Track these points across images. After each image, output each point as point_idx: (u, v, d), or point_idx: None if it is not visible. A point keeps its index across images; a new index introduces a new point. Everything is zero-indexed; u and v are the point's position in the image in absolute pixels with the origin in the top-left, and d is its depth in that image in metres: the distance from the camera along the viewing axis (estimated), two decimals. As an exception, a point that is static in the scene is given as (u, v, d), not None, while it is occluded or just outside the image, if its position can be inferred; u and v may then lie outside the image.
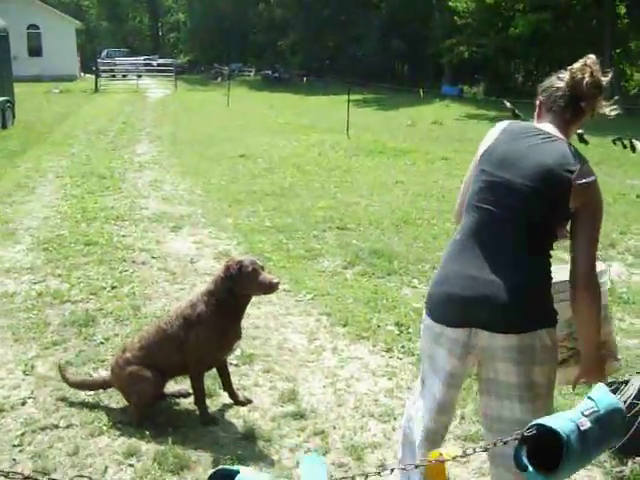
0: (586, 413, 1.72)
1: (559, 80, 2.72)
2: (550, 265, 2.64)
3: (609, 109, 2.75)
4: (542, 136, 2.65)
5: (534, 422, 1.72)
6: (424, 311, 2.78)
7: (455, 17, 36.09)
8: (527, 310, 2.56)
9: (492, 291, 2.54)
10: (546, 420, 1.70)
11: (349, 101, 19.22)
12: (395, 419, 4.03)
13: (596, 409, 1.74)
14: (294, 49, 53.09)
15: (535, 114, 2.83)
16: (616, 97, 2.83)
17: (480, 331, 2.57)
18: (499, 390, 2.64)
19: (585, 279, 2.57)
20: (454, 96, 34.72)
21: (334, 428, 3.97)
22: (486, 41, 35.29)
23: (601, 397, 1.79)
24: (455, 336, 2.63)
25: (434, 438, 2.84)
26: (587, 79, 2.62)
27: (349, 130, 17.79)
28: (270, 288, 3.92)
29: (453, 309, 2.63)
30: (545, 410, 2.58)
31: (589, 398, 1.79)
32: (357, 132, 18.04)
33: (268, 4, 55.78)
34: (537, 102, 2.81)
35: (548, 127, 2.70)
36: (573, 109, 2.70)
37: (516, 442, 1.77)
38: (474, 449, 2.02)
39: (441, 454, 2.12)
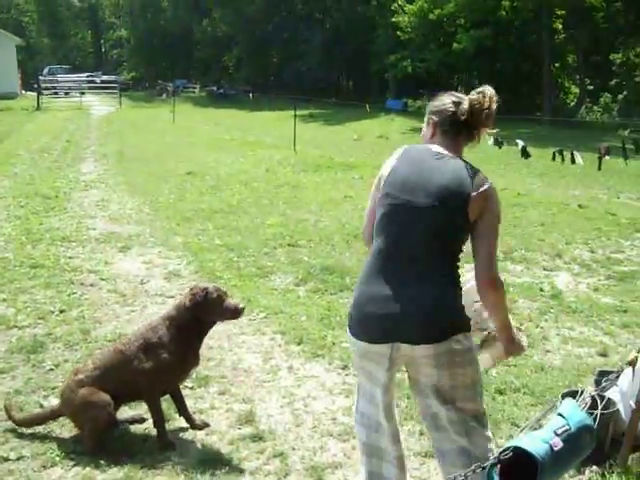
0: (558, 432, 1.74)
1: (453, 105, 2.89)
2: (459, 277, 2.83)
3: (489, 136, 3.01)
4: (438, 157, 2.83)
5: (510, 444, 1.73)
6: (347, 330, 2.93)
7: (398, 32, 36.62)
8: (439, 322, 2.74)
9: (406, 308, 2.72)
10: (521, 442, 1.71)
11: (295, 116, 19.24)
12: (354, 437, 4.00)
13: (567, 427, 1.77)
14: (238, 65, 53.18)
15: (428, 133, 3.00)
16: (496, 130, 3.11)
17: (401, 344, 2.75)
18: (425, 390, 2.85)
19: (488, 276, 2.76)
20: (399, 110, 35.16)
21: (293, 449, 3.92)
22: (429, 56, 35.89)
23: (572, 414, 1.81)
24: (379, 351, 2.80)
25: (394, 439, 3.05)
26: (486, 111, 2.81)
27: (296, 145, 17.82)
28: (236, 313, 3.99)
29: (373, 327, 2.80)
30: (475, 411, 2.84)
31: (560, 415, 1.80)
32: (304, 147, 18.08)
33: (212, 20, 55.64)
34: (430, 122, 2.98)
35: (442, 147, 2.88)
36: (467, 134, 2.91)
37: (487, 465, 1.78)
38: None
39: None
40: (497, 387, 4.59)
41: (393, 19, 36.94)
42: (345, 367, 4.99)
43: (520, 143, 10.04)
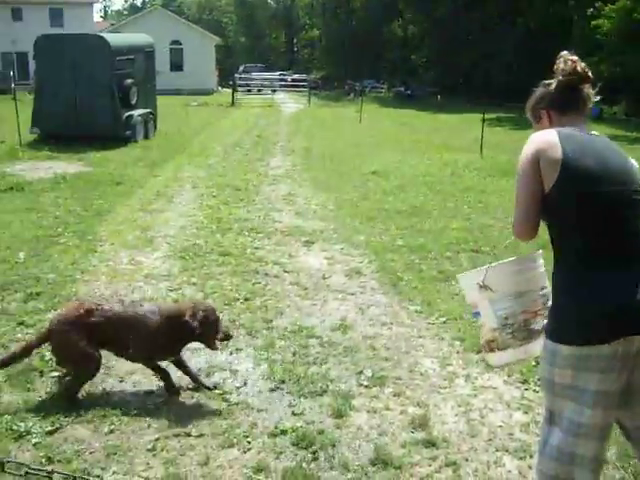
0: None
1: (547, 86, 2.88)
2: None
3: (593, 94, 2.88)
4: (595, 136, 2.79)
5: None
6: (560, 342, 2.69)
7: (597, 35, 34.71)
8: None
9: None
10: None
11: (484, 120, 18.85)
12: (531, 456, 3.83)
13: None
14: (427, 66, 52.87)
15: (543, 124, 2.90)
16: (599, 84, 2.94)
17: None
18: None
19: None
20: (593, 117, 33.50)
21: (466, 460, 3.82)
22: (628, 59, 33.83)
23: None
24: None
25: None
26: (579, 64, 2.81)
27: (483, 150, 17.45)
28: (225, 338, 4.47)
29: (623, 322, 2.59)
30: None
31: None
32: (491, 152, 17.66)
33: (402, 21, 55.78)
34: (541, 114, 2.91)
35: (581, 127, 2.80)
36: (582, 99, 2.85)
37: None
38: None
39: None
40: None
41: (592, 22, 35.14)
42: (525, 381, 4.79)
43: None
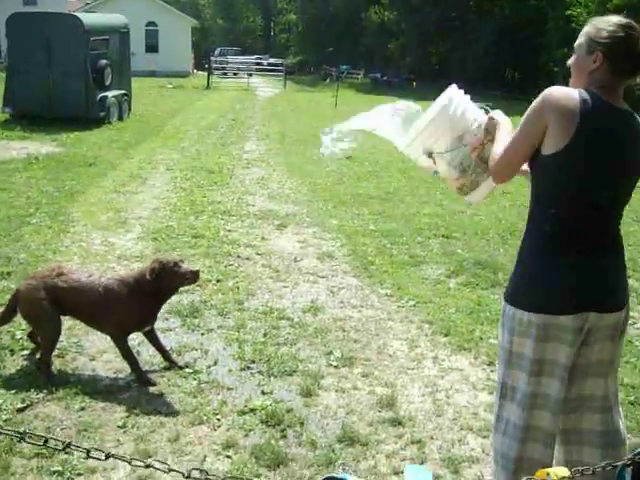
0: None
1: (621, 30, 2.57)
2: None
3: None
4: (627, 114, 2.64)
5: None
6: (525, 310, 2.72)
7: (573, 24, 34.85)
8: (626, 286, 2.80)
9: (605, 276, 2.68)
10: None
11: (458, 107, 18.94)
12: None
13: None
14: (403, 53, 52.87)
15: (583, 67, 2.66)
16: None
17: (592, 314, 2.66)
18: (590, 370, 2.79)
19: None
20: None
21: (432, 438, 3.91)
22: (603, 50, 34.01)
23: None
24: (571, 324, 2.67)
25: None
26: None
27: (456, 137, 17.56)
28: (193, 277, 4.41)
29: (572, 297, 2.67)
30: (615, 382, 2.90)
31: None
32: (464, 139, 17.79)
33: (380, 6, 55.67)
34: (596, 53, 2.59)
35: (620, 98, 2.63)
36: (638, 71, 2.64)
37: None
38: (581, 470, 1.97)
39: (548, 474, 2.06)
40: None
41: (567, 11, 35.27)
42: (491, 363, 4.89)
43: None
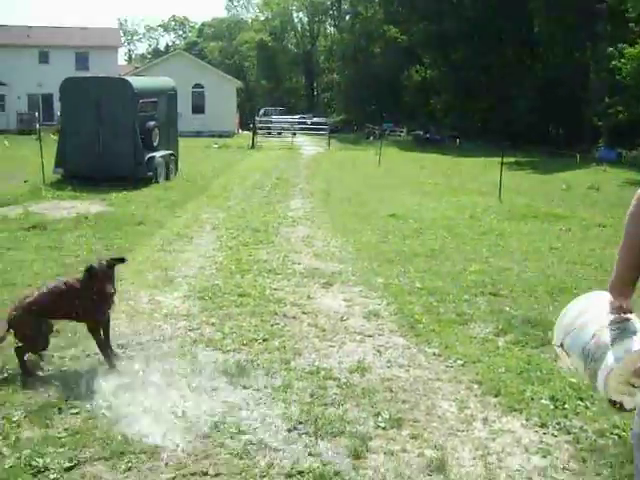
0: None
1: None
2: None
3: None
4: None
5: None
6: None
7: (617, 76, 34.60)
8: None
9: None
10: None
11: (502, 164, 18.93)
12: (549, 501, 3.81)
13: None
14: (445, 110, 53.20)
15: None
16: None
17: None
18: None
19: None
20: (612, 160, 33.46)
21: (484, 504, 3.81)
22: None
23: None
24: None
25: None
26: None
27: (501, 193, 17.49)
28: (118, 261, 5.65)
29: None
30: None
31: None
32: (509, 196, 17.71)
33: (420, 66, 56.37)
34: None
35: None
36: None
37: None
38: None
39: None
40: None
41: (612, 63, 35.10)
42: (543, 425, 4.76)
43: None
